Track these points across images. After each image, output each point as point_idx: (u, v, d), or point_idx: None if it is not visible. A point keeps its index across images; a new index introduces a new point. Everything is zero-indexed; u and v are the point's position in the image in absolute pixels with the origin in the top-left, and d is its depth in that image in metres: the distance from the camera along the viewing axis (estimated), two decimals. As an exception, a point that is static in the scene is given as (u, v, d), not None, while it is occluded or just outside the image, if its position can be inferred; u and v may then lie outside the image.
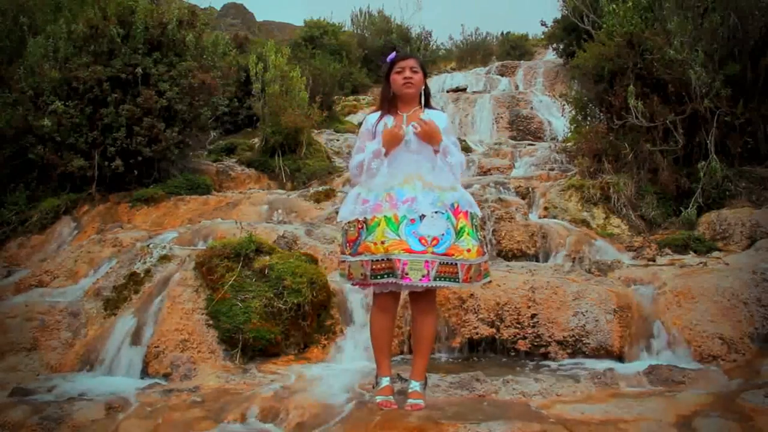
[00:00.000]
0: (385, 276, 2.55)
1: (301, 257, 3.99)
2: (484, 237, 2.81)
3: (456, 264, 2.56)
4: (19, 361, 3.53)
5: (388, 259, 2.53)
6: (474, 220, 2.70)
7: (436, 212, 2.59)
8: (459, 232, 2.60)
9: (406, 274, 2.50)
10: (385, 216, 2.59)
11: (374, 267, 2.57)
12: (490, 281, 2.99)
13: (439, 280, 2.54)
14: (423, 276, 2.51)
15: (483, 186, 6.06)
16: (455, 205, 2.65)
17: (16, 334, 3.65)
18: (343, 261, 2.74)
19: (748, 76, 5.44)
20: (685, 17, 5.43)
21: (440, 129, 2.73)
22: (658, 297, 3.68)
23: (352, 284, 2.78)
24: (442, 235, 2.56)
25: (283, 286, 3.69)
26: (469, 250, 2.59)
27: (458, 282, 2.58)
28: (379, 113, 2.84)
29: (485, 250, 2.74)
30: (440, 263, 2.54)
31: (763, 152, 5.61)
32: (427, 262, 2.52)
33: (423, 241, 2.54)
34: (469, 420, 2.51)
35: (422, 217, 2.57)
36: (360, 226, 2.65)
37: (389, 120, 2.79)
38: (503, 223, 5.00)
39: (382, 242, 2.55)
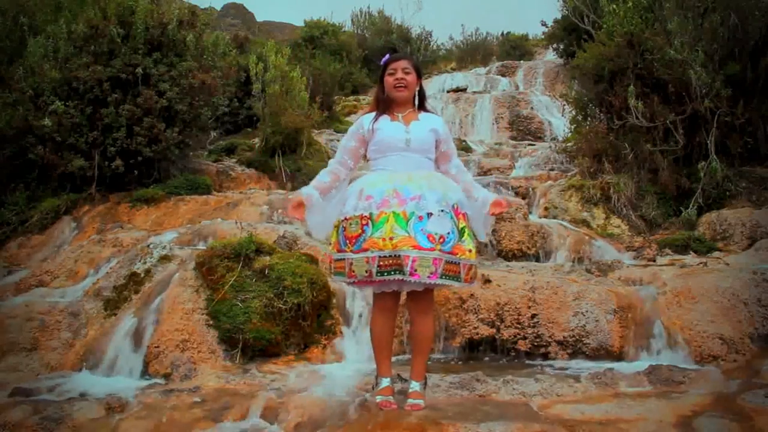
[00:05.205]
0: (393, 273, 2.53)
1: (301, 257, 3.99)
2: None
3: (459, 263, 2.58)
4: (19, 361, 3.53)
5: (396, 255, 2.51)
6: (470, 223, 2.73)
7: (441, 211, 2.59)
8: (461, 232, 2.61)
9: (415, 270, 2.49)
10: (393, 212, 2.56)
11: (381, 263, 2.53)
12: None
13: (445, 278, 2.55)
14: (431, 273, 2.51)
15: (483, 186, 6.05)
16: (455, 206, 2.65)
17: (16, 334, 3.64)
18: (341, 259, 2.66)
19: (748, 76, 5.44)
20: (685, 17, 5.43)
21: (441, 135, 2.83)
22: (658, 297, 3.68)
23: (352, 283, 2.70)
24: (448, 233, 2.56)
25: (283, 286, 3.69)
26: (470, 251, 2.61)
27: (460, 281, 2.61)
28: (374, 114, 2.84)
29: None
30: (446, 261, 2.54)
31: (763, 152, 5.62)
32: (435, 259, 2.52)
33: (431, 238, 2.53)
34: (469, 420, 2.51)
35: (429, 214, 2.56)
36: (365, 222, 2.59)
37: (385, 120, 2.79)
38: (503, 223, 5.00)
39: (391, 238, 2.52)
